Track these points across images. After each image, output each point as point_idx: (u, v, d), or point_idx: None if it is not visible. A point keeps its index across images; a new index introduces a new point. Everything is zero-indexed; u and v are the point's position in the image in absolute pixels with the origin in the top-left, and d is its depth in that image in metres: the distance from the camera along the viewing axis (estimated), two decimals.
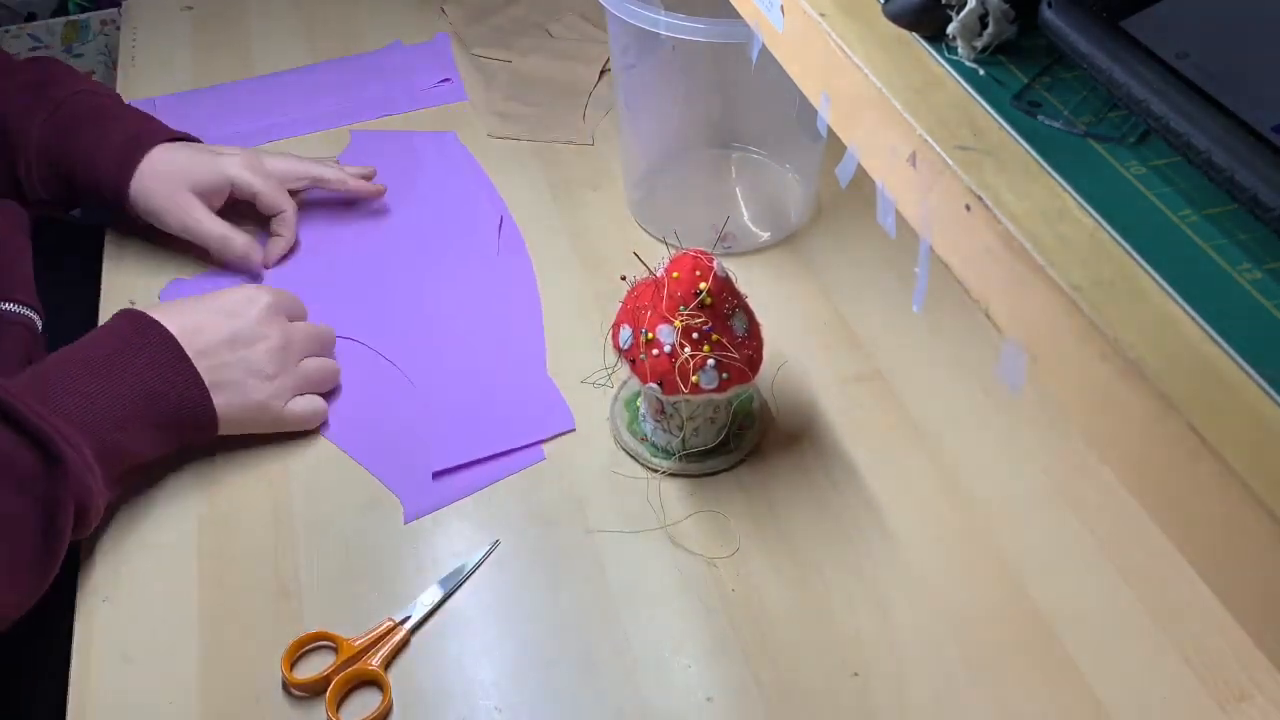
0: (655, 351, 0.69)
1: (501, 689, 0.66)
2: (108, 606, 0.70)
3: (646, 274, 0.73)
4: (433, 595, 0.70)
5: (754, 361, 0.71)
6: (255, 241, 0.91)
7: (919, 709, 0.64)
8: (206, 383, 0.73)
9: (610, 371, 0.78)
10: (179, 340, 0.72)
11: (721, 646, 0.67)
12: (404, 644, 0.68)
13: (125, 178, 0.88)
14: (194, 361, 0.72)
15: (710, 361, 0.69)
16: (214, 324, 0.75)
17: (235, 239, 0.90)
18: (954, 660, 0.66)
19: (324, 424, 0.80)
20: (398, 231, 0.97)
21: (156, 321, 0.73)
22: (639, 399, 0.78)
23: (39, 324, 0.85)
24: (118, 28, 1.30)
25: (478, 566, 0.71)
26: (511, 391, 0.82)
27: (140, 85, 1.15)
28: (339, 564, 0.72)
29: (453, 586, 0.70)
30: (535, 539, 0.73)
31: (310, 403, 0.79)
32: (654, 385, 0.70)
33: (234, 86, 1.14)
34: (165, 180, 0.88)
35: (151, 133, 0.91)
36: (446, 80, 1.15)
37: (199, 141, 0.95)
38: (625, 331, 0.72)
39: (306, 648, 0.67)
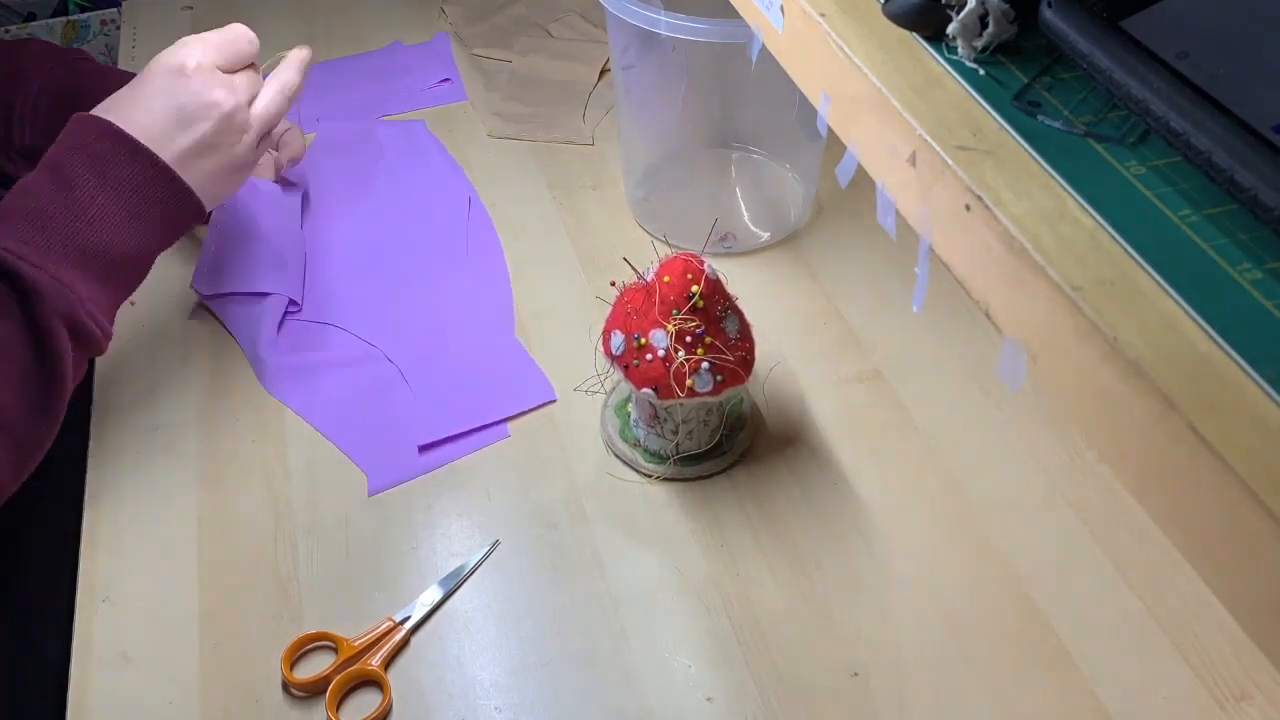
0: (649, 356, 0.69)
1: (501, 689, 0.66)
2: (108, 606, 0.70)
3: (636, 278, 0.72)
4: (433, 595, 0.70)
5: (747, 363, 0.71)
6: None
7: (919, 709, 0.64)
8: (166, 160, 0.71)
9: (602, 378, 0.79)
10: (129, 132, 0.70)
11: (721, 646, 0.67)
12: (404, 644, 0.68)
13: None
14: (152, 148, 0.70)
15: (704, 365, 0.68)
16: (157, 111, 0.72)
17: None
18: (954, 660, 0.66)
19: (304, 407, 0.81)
20: (369, 218, 0.98)
21: (102, 118, 0.71)
22: (630, 404, 0.78)
23: None
24: (118, 28, 1.31)
25: (477, 567, 0.71)
26: (488, 366, 0.84)
27: None
28: (339, 564, 0.72)
29: (452, 586, 0.70)
30: (535, 540, 0.73)
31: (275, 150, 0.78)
32: (649, 390, 0.69)
33: None
34: None
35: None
36: (446, 80, 1.15)
37: None
38: (617, 337, 0.71)
39: (306, 647, 0.68)
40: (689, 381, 0.68)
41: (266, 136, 0.78)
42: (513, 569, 0.72)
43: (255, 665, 0.67)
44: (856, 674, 0.66)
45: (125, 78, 0.88)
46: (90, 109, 0.84)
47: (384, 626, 0.68)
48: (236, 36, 0.76)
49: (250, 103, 0.75)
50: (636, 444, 0.77)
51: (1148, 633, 0.67)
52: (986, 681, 0.65)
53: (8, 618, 0.76)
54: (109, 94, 0.85)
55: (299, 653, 0.67)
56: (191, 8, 1.27)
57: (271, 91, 0.77)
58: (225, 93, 0.73)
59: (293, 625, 0.69)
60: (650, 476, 0.76)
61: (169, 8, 1.27)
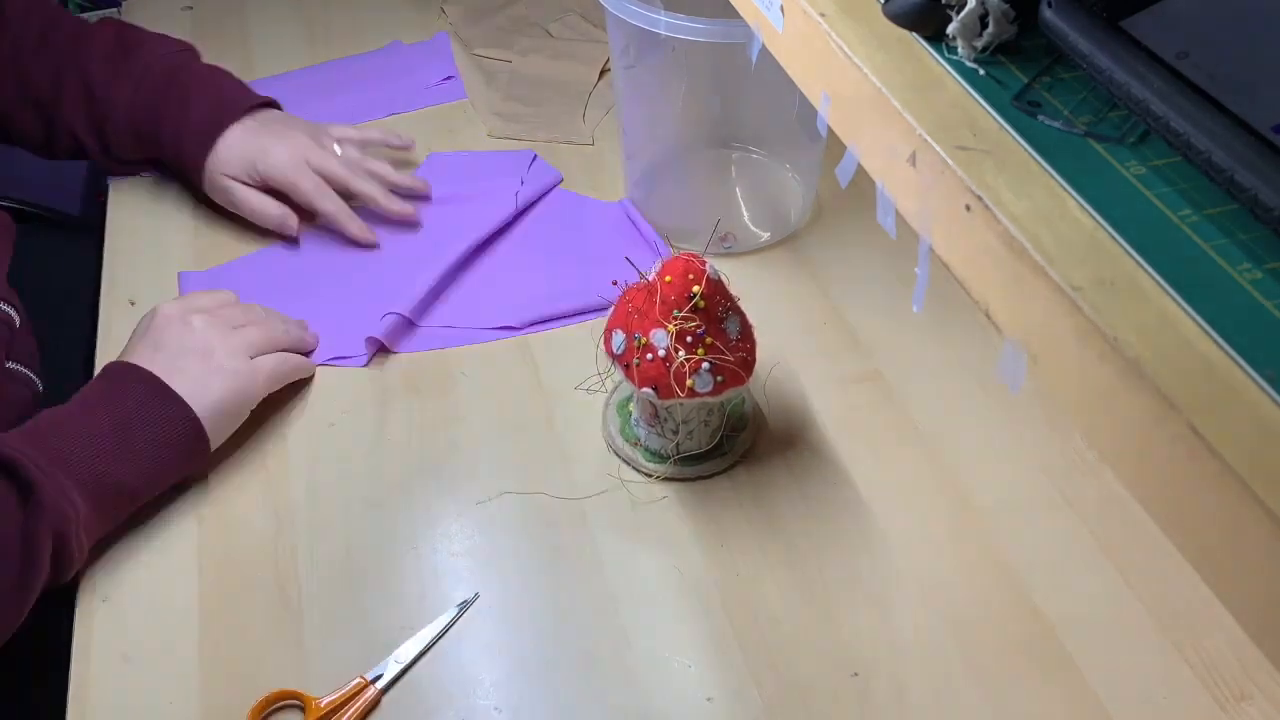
0: (649, 356, 0.69)
1: (501, 689, 0.66)
2: (108, 606, 0.70)
3: (637, 278, 0.72)
4: (408, 651, 0.67)
5: (748, 363, 0.71)
6: (289, 211, 0.94)
7: (919, 709, 0.64)
8: (181, 394, 0.73)
9: (604, 377, 0.78)
10: (156, 374, 0.73)
11: (721, 646, 0.67)
12: (374, 705, 0.65)
13: (201, 159, 0.93)
14: (171, 385, 0.73)
15: (705, 365, 0.68)
16: (183, 356, 0.75)
17: (270, 209, 0.94)
18: (954, 660, 0.66)
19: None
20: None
21: (132, 363, 0.74)
22: (631, 403, 0.78)
23: (16, 320, 0.85)
24: None
25: (450, 627, 0.69)
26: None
27: None
28: (339, 563, 0.72)
29: (426, 646, 0.68)
30: (535, 540, 0.73)
31: (274, 358, 0.80)
32: (649, 390, 0.69)
33: None
34: (226, 164, 0.93)
35: (231, 104, 0.95)
36: (449, 79, 1.15)
37: (276, 109, 0.99)
38: (618, 336, 0.71)
39: (273, 707, 0.65)
40: (689, 381, 0.68)
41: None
42: (512, 569, 0.72)
43: (255, 665, 0.67)
44: (856, 674, 0.66)
45: (234, 84, 0.97)
46: (196, 100, 0.93)
47: (354, 685, 0.65)
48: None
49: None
50: (637, 443, 0.77)
51: (1148, 633, 0.67)
52: (986, 682, 0.65)
53: None
54: (218, 91, 0.95)
55: (265, 713, 0.65)
56: (191, 8, 1.27)
57: (276, 358, 0.80)
58: (221, 340, 0.77)
59: (292, 625, 0.69)
60: (651, 476, 0.76)
61: (169, 8, 1.27)
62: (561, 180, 1.02)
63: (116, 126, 0.94)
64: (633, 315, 0.70)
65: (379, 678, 0.66)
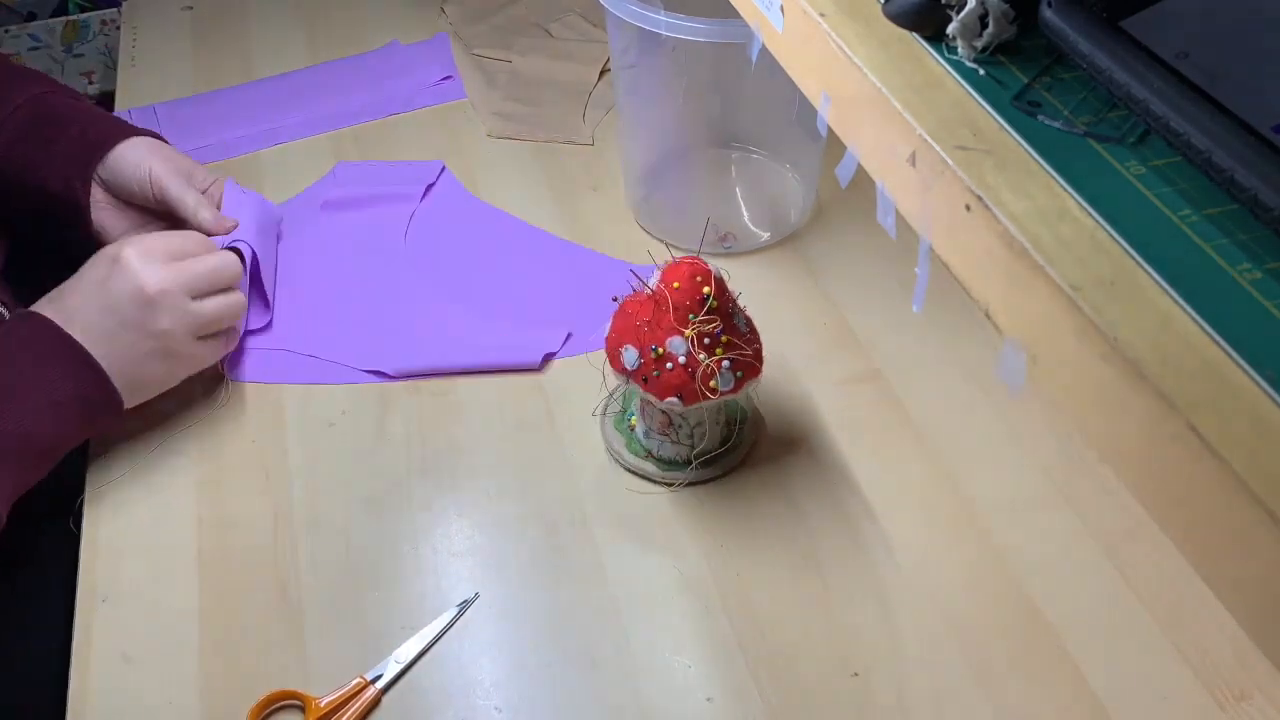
0: (669, 365, 0.68)
1: (501, 689, 0.66)
2: (108, 606, 0.70)
3: (635, 290, 0.72)
4: (407, 652, 0.67)
5: (760, 355, 0.72)
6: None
7: (919, 709, 0.64)
8: (95, 355, 0.71)
9: (610, 396, 0.78)
10: (57, 322, 0.71)
11: (721, 646, 0.67)
12: (374, 704, 0.65)
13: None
14: (77, 337, 0.71)
15: (725, 363, 0.68)
16: (85, 298, 0.73)
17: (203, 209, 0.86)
18: (954, 660, 0.66)
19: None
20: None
21: (33, 311, 0.72)
22: (629, 417, 0.78)
23: (7, 316, 0.84)
24: (118, 28, 1.30)
25: (449, 627, 0.69)
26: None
27: (140, 86, 1.15)
28: (339, 563, 0.72)
29: (425, 645, 0.68)
30: (536, 540, 0.73)
31: (216, 338, 0.78)
32: (674, 399, 0.69)
33: (234, 91, 1.14)
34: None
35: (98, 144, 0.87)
36: (448, 78, 1.15)
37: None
38: (630, 352, 0.70)
39: (273, 707, 0.65)
40: (713, 382, 0.68)
41: (214, 337, 0.78)
42: (513, 570, 0.72)
43: (254, 666, 0.67)
44: (856, 674, 0.66)
45: (112, 119, 0.89)
46: (71, 134, 0.85)
47: (354, 685, 0.65)
48: (186, 242, 0.78)
49: (193, 294, 0.75)
50: (648, 455, 0.77)
51: (1148, 633, 0.67)
52: (986, 681, 0.65)
53: (8, 618, 0.76)
54: (92, 127, 0.86)
55: (265, 713, 0.65)
56: (191, 8, 1.27)
57: (217, 301, 0.77)
58: (158, 279, 0.73)
59: (292, 625, 0.69)
60: (671, 485, 0.76)
61: (169, 8, 1.27)
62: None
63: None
64: (641, 328, 0.69)
65: (379, 678, 0.66)
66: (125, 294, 0.72)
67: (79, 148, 0.85)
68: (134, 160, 0.85)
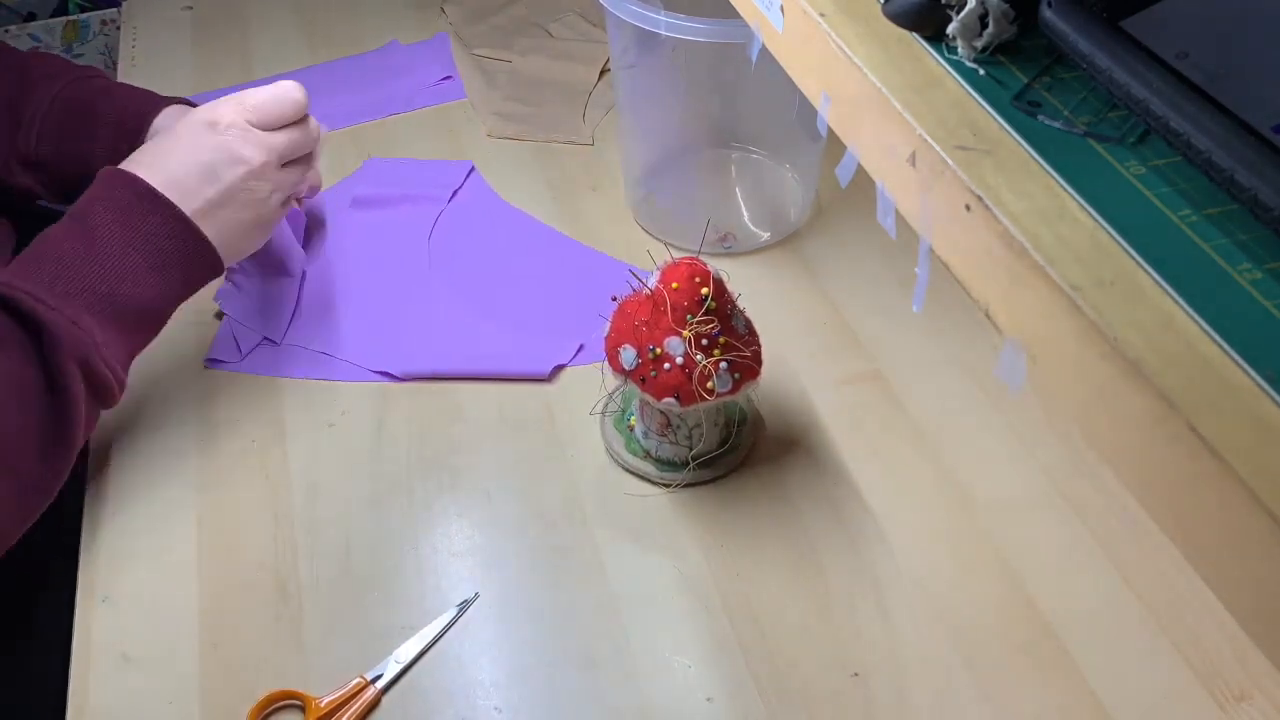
0: (666, 365, 0.68)
1: (501, 689, 0.66)
2: (108, 606, 0.70)
3: (635, 289, 0.72)
4: (408, 651, 0.67)
5: (759, 356, 0.71)
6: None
7: (919, 709, 0.64)
8: (189, 214, 0.72)
9: (609, 396, 0.79)
10: (157, 188, 0.71)
11: (721, 646, 0.67)
12: (374, 704, 0.65)
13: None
14: (176, 202, 0.71)
15: (723, 364, 0.68)
16: (185, 163, 0.73)
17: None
18: (954, 660, 0.66)
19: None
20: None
21: (129, 172, 0.72)
22: (632, 418, 0.78)
23: None
24: (118, 28, 1.31)
25: (450, 626, 0.69)
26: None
27: (140, 85, 1.14)
28: (339, 563, 0.72)
29: (426, 645, 0.68)
30: (536, 540, 0.73)
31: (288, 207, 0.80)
32: (671, 400, 0.69)
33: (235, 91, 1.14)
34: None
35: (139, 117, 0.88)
36: (448, 78, 1.15)
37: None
38: (628, 352, 0.70)
39: (273, 707, 0.65)
40: (710, 384, 0.68)
41: (291, 199, 0.80)
42: (513, 570, 0.72)
43: (254, 665, 0.67)
44: (856, 674, 0.66)
45: (137, 94, 0.89)
46: (100, 124, 0.84)
47: (354, 685, 0.66)
48: (279, 98, 0.78)
49: (280, 163, 0.77)
50: (647, 456, 0.77)
51: (1148, 633, 0.67)
52: (986, 681, 0.65)
53: (8, 618, 0.76)
54: (119, 111, 0.85)
55: (265, 712, 0.65)
56: (191, 8, 1.27)
57: (300, 170, 0.79)
58: (254, 149, 0.75)
59: (292, 625, 0.69)
60: (669, 486, 0.76)
61: (169, 8, 1.27)
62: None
63: (35, 116, 0.87)
64: (639, 328, 0.70)
65: (379, 678, 0.66)
66: (226, 165, 0.73)
67: (119, 129, 0.86)
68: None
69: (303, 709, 0.65)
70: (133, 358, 0.72)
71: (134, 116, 0.86)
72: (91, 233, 0.69)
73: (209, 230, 0.73)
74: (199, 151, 0.73)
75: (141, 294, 0.70)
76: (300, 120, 0.79)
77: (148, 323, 0.72)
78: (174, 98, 0.89)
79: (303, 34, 1.22)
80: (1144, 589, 0.69)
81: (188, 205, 0.72)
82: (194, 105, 0.89)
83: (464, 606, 0.70)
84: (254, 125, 0.76)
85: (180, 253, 0.72)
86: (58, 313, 0.65)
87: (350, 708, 0.64)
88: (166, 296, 0.72)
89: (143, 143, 0.83)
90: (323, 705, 0.64)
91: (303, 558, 0.73)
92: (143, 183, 0.71)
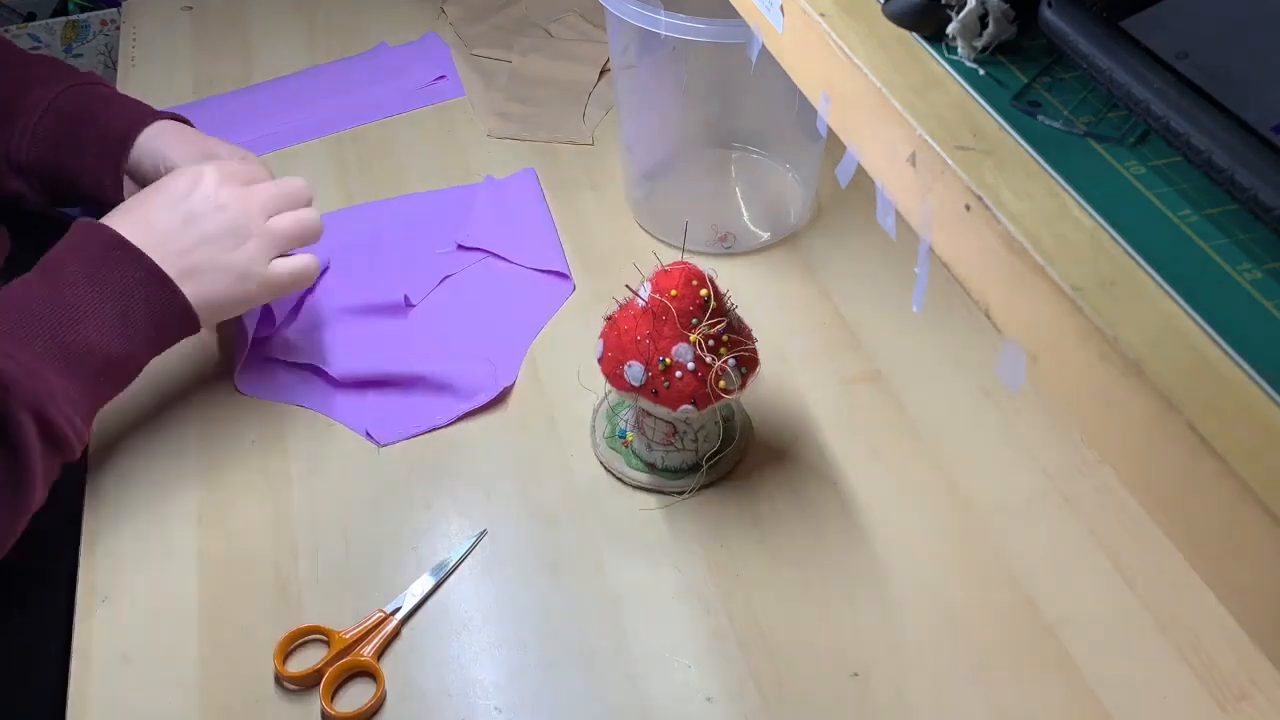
0: (678, 374, 0.68)
1: (501, 689, 0.66)
2: (107, 606, 0.70)
3: (627, 301, 0.71)
4: (423, 585, 0.70)
5: (756, 348, 0.72)
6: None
7: (919, 709, 0.64)
8: (170, 273, 0.71)
9: (594, 419, 0.79)
10: (129, 239, 0.71)
11: (721, 646, 0.67)
12: (395, 634, 0.68)
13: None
14: (148, 253, 0.70)
15: (731, 361, 0.68)
16: (163, 213, 0.73)
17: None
18: (954, 660, 0.66)
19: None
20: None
21: (102, 224, 0.71)
22: (621, 435, 0.77)
23: None
24: (118, 28, 1.31)
25: (465, 556, 0.72)
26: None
27: (140, 86, 1.15)
28: (339, 564, 0.72)
29: (443, 575, 0.71)
30: (536, 539, 0.73)
31: (295, 261, 0.77)
32: (688, 406, 0.69)
33: (232, 96, 1.14)
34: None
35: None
36: (442, 78, 1.14)
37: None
38: (634, 368, 0.69)
39: (298, 641, 0.68)
40: (722, 383, 0.68)
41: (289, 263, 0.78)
42: (512, 569, 0.72)
43: (254, 665, 0.67)
44: (856, 674, 0.66)
45: (130, 106, 0.88)
46: (87, 135, 0.84)
47: (375, 618, 0.68)
48: (252, 169, 0.78)
49: (266, 215, 0.76)
50: (652, 468, 0.76)
51: (1148, 633, 0.67)
52: (986, 681, 0.65)
53: (8, 618, 0.76)
54: (108, 122, 0.85)
55: (291, 646, 0.68)
56: (191, 8, 1.27)
57: (291, 217, 0.78)
58: (236, 199, 0.74)
59: (293, 625, 0.69)
60: (683, 494, 0.75)
61: (169, 8, 1.27)
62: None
63: (28, 120, 0.86)
64: (642, 342, 0.69)
65: (398, 609, 0.69)
66: (207, 214, 0.73)
67: (104, 146, 0.85)
68: (150, 150, 0.85)
69: (327, 642, 0.67)
70: (97, 408, 0.70)
71: (121, 129, 0.86)
72: (59, 282, 0.68)
73: (185, 284, 0.71)
74: (181, 200, 0.73)
75: (107, 345, 0.68)
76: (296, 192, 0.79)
77: (115, 374, 0.70)
78: (167, 112, 0.88)
79: (303, 34, 1.22)
80: (1144, 589, 0.69)
81: (163, 253, 0.71)
82: (188, 122, 0.89)
83: (480, 537, 0.73)
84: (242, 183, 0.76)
85: (149, 302, 0.70)
86: (11, 359, 0.63)
87: (371, 640, 0.67)
88: (134, 347, 0.70)
89: (129, 156, 0.84)
90: (347, 637, 0.67)
91: (303, 558, 0.73)
92: (112, 232, 0.70)
